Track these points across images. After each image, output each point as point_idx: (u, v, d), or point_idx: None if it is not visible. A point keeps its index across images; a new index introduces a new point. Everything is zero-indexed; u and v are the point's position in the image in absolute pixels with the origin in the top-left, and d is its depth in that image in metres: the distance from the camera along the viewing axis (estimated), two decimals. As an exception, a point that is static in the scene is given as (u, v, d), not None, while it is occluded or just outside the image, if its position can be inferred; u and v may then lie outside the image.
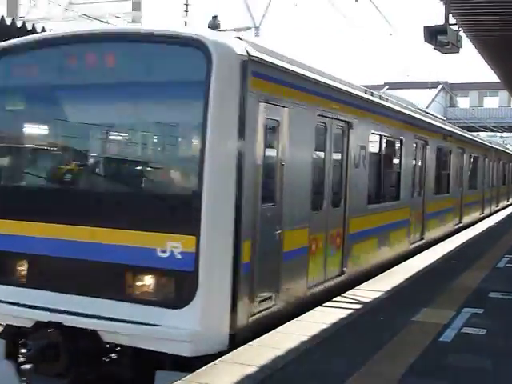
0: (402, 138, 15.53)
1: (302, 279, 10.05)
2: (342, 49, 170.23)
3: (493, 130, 62.03)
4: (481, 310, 10.06)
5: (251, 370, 6.87)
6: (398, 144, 15.64)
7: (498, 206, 36.42)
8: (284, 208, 9.32)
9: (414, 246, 17.06)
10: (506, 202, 42.26)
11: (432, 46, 12.30)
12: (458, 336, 8.58)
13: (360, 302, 10.39)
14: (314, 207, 10.48)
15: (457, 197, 23.12)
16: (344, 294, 10.93)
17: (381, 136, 14.26)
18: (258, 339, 8.04)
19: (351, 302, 10.39)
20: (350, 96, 11.93)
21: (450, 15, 13.02)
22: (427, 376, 6.94)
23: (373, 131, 13.42)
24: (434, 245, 18.62)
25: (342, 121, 11.53)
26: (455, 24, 14.27)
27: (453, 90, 71.53)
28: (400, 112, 15.46)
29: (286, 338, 8.11)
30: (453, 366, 7.32)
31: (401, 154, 15.86)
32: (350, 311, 9.77)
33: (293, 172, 9.56)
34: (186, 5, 49.08)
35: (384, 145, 14.75)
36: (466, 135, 26.69)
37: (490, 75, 31.64)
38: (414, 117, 16.83)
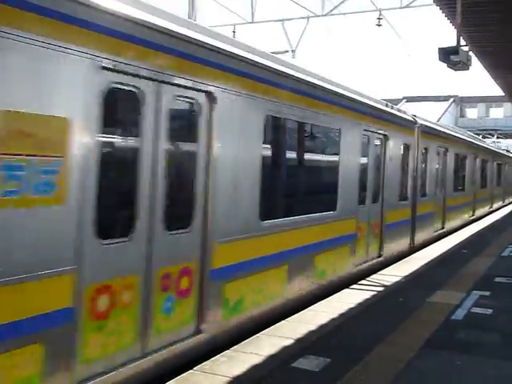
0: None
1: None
2: (365, 66, 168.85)
3: (498, 137, 60.79)
4: (488, 293, 9.90)
5: (288, 342, 6.85)
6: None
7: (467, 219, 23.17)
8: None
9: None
10: (487, 209, 28.70)
11: (445, 65, 12.10)
12: (468, 315, 8.45)
13: (382, 285, 10.29)
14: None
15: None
16: (368, 278, 10.87)
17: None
18: (293, 316, 8.00)
19: (374, 285, 10.30)
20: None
21: (461, 38, 12.78)
22: (441, 348, 6.83)
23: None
24: (452, 233, 19.10)
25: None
26: (466, 45, 14.06)
27: (462, 102, 70.36)
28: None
29: (317, 316, 8.07)
30: (463, 341, 7.20)
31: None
32: (374, 293, 9.68)
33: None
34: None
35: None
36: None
37: (495, 89, 31.12)
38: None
